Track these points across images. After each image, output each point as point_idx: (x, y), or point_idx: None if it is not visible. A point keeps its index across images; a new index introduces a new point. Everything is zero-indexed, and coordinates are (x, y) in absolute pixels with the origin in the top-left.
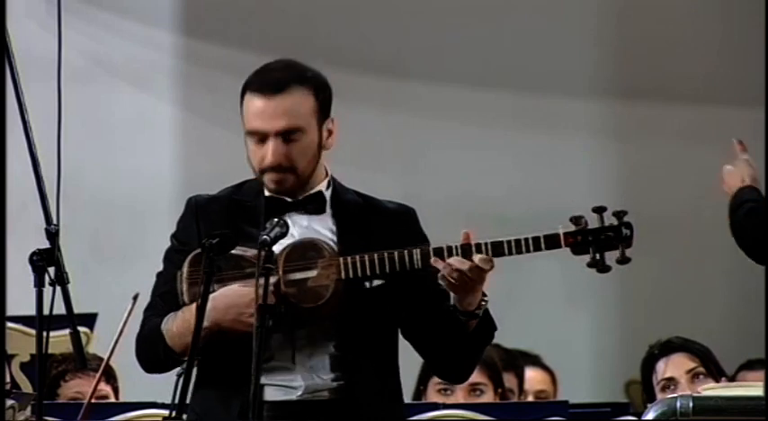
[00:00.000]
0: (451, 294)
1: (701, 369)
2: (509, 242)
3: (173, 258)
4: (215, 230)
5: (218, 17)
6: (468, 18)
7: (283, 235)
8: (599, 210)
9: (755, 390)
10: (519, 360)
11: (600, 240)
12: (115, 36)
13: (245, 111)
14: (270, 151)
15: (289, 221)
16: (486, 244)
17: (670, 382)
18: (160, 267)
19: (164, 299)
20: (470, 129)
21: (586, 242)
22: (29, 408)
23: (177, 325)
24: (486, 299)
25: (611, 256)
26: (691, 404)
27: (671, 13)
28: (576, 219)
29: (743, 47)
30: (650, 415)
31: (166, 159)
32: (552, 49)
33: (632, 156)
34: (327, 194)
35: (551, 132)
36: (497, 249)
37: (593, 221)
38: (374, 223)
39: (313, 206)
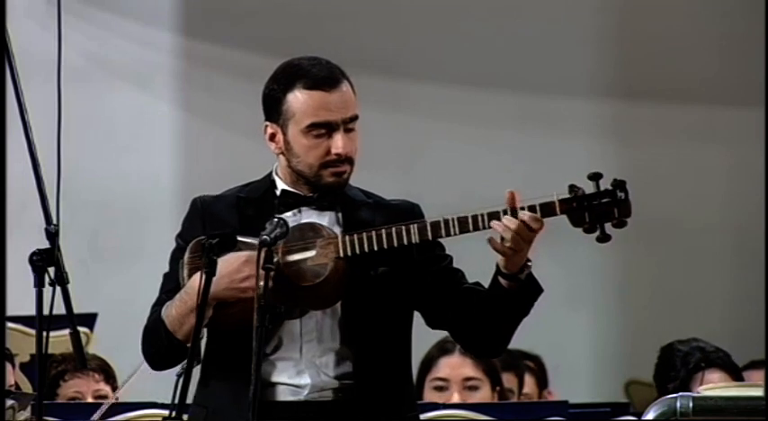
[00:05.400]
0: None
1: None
2: (504, 211)
3: (178, 258)
4: (221, 228)
5: (217, 17)
6: (469, 19)
7: (284, 235)
8: (595, 178)
9: (755, 390)
10: (519, 360)
11: (595, 206)
12: (115, 36)
13: (301, 106)
14: (341, 141)
15: (298, 216)
16: (482, 215)
17: None
18: (159, 266)
19: (169, 296)
20: (470, 130)
21: (582, 208)
22: (29, 408)
23: (176, 306)
24: (529, 264)
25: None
26: (691, 404)
27: (671, 14)
28: (571, 187)
29: (743, 47)
30: (650, 414)
31: (166, 159)
32: (553, 49)
33: (632, 156)
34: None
35: (552, 132)
36: (492, 217)
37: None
38: (379, 218)
39: (326, 202)
